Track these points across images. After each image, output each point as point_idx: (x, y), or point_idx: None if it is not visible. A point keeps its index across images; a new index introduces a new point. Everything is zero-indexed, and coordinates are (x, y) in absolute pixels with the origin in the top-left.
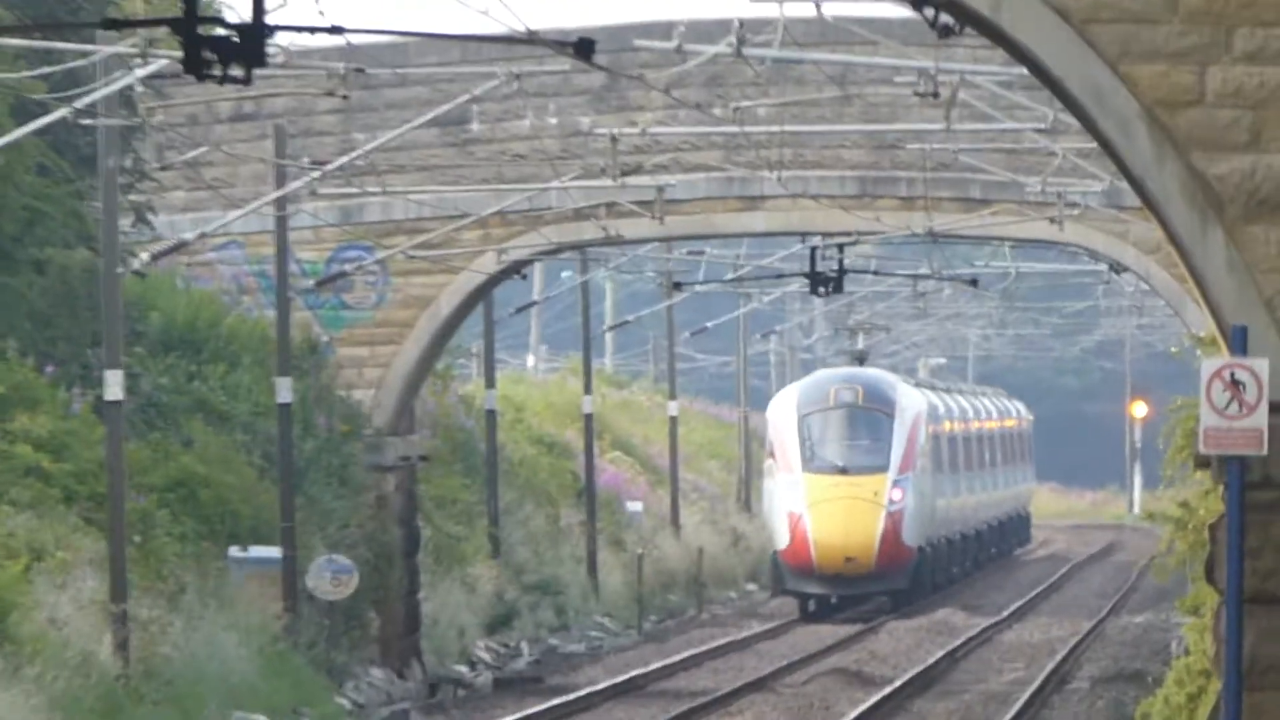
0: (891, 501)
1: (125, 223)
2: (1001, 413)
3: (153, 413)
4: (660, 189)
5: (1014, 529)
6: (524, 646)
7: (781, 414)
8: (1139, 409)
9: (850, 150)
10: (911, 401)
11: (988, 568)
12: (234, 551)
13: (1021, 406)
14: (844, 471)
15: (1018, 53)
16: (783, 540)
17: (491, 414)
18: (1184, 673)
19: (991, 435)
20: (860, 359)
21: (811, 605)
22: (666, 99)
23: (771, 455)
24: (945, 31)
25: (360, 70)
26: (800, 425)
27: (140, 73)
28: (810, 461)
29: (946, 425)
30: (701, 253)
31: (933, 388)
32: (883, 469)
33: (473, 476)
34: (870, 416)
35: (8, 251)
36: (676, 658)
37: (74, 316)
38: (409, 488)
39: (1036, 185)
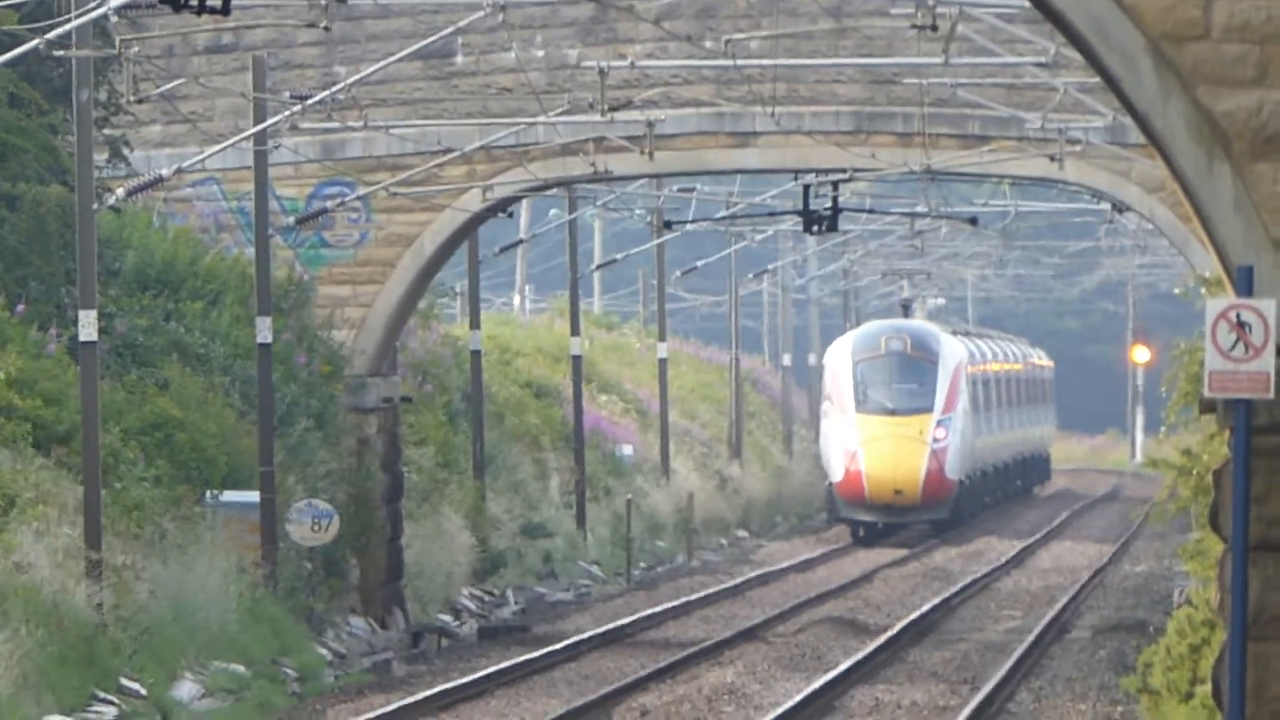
0: (935, 440)
1: (100, 158)
2: (1026, 358)
3: (128, 354)
4: (650, 124)
5: (1036, 466)
6: (510, 595)
7: (837, 361)
8: (1141, 352)
9: (845, 85)
10: (953, 349)
11: (1008, 503)
12: (211, 496)
13: (1043, 353)
14: (893, 413)
15: None
16: (838, 474)
17: (476, 355)
18: (1186, 623)
19: (1019, 379)
20: (906, 308)
21: (861, 532)
22: (656, 31)
23: (828, 398)
24: None
25: (341, 1)
26: (854, 371)
27: (115, 3)
28: (863, 404)
29: (983, 369)
30: (692, 190)
31: (968, 335)
32: (928, 410)
33: (457, 420)
34: (917, 363)
35: None
36: (665, 606)
37: (47, 254)
38: (392, 430)
39: (1037, 121)
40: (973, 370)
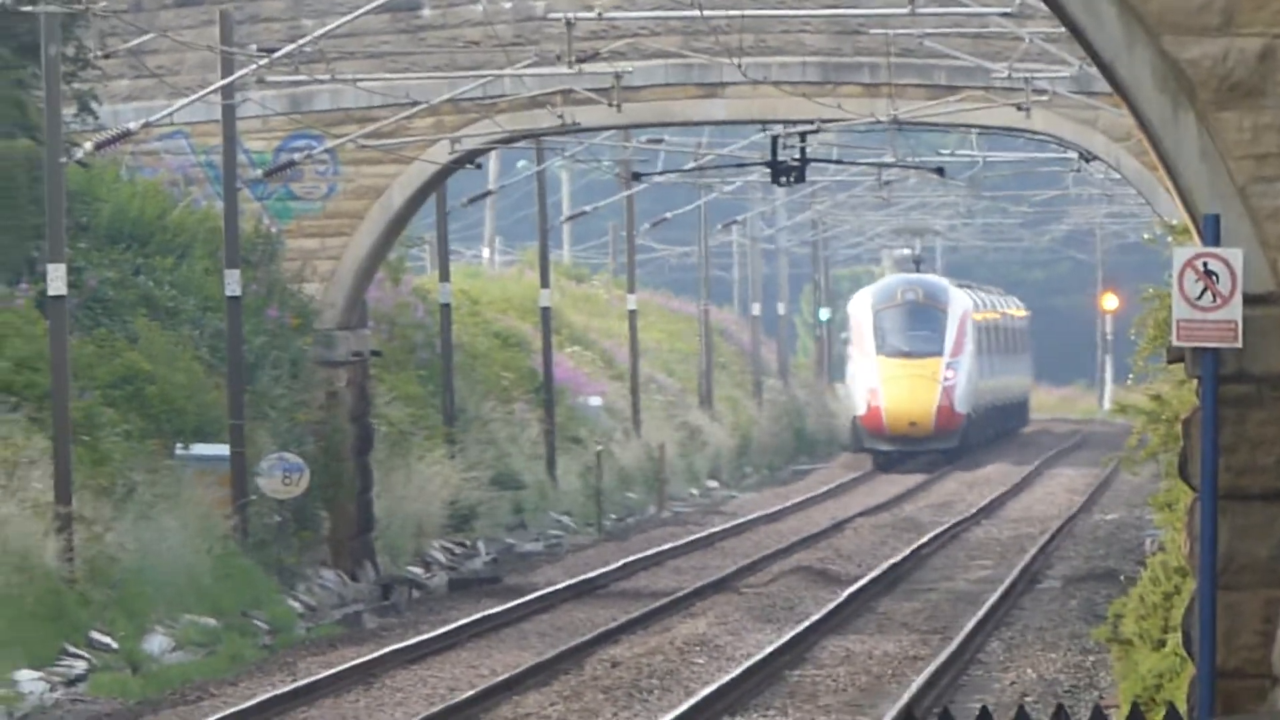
0: (946, 379)
1: (68, 112)
2: (1015, 309)
3: (98, 308)
4: (617, 75)
5: (1019, 410)
6: (480, 546)
7: (860, 310)
8: (1109, 301)
9: (812, 35)
10: (959, 300)
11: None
12: (181, 450)
13: (1021, 304)
14: (909, 355)
15: None
16: (861, 409)
17: (446, 307)
18: (1159, 571)
19: (1011, 328)
20: (917, 262)
21: (881, 460)
22: None
23: (852, 343)
24: None
25: None
26: (875, 319)
27: None
28: (882, 347)
29: (983, 318)
30: (660, 141)
31: (969, 288)
32: (939, 353)
33: (427, 371)
34: (929, 312)
35: None
36: (636, 557)
37: (16, 209)
38: (361, 383)
39: (1003, 71)
40: (976, 319)
